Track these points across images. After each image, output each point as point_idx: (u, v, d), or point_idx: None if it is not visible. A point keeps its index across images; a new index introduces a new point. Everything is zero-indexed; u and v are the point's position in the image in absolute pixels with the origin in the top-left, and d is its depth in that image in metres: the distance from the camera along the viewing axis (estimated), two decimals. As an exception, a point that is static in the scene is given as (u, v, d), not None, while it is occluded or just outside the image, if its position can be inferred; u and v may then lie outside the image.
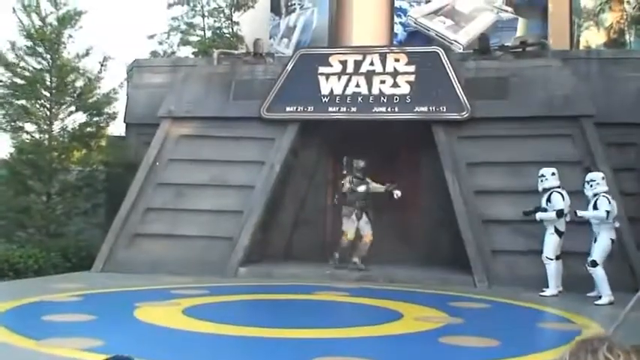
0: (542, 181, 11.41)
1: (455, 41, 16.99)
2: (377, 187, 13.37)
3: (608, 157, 12.72)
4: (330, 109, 13.90)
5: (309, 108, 14.00)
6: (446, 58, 13.82)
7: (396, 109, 13.62)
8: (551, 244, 11.17)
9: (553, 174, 11.35)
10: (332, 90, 14.00)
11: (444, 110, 13.41)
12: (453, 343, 6.95)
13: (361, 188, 13.23)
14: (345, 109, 13.84)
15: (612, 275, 10.42)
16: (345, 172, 13.68)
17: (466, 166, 13.20)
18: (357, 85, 13.93)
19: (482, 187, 12.97)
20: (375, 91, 13.82)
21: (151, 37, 26.74)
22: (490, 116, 13.19)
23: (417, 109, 13.54)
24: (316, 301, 10.29)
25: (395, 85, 13.75)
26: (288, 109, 14.01)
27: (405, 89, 13.70)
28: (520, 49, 14.51)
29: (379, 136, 13.91)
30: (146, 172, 14.02)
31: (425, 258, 14.13)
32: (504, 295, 10.79)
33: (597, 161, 12.39)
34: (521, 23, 17.11)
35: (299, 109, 14.02)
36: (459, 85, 13.44)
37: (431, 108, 13.47)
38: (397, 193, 13.22)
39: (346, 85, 13.96)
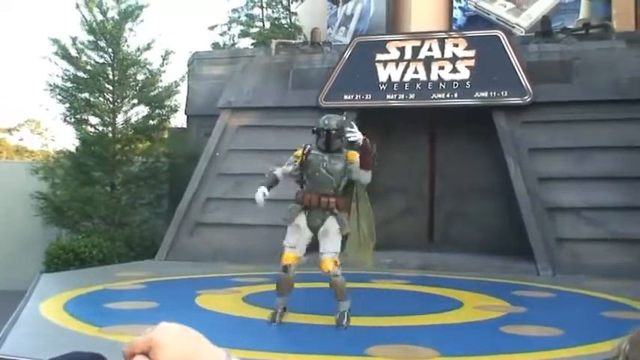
0: None
1: (516, 25, 16.59)
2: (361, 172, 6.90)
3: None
4: (388, 96, 13.81)
5: (367, 96, 13.94)
6: (507, 42, 13.55)
7: (456, 95, 13.45)
8: None
9: None
10: (390, 77, 13.92)
11: (505, 95, 13.20)
12: (515, 332, 6.83)
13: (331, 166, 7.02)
14: (403, 96, 13.72)
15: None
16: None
17: (528, 152, 12.96)
18: (416, 72, 13.80)
19: (546, 174, 12.70)
20: (433, 77, 13.67)
21: (212, 27, 27.41)
22: (553, 100, 12.90)
23: (477, 94, 13.35)
24: (374, 289, 10.17)
25: (454, 70, 13.58)
26: (345, 97, 13.97)
27: (464, 74, 13.53)
28: (583, 32, 14.19)
29: (439, 123, 13.68)
30: (207, 163, 14.23)
31: (487, 246, 13.79)
32: (569, 284, 10.51)
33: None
34: (583, 5, 16.56)
35: (357, 97, 13.97)
36: (520, 69, 13.19)
37: (491, 93, 13.28)
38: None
39: (404, 72, 13.85)
